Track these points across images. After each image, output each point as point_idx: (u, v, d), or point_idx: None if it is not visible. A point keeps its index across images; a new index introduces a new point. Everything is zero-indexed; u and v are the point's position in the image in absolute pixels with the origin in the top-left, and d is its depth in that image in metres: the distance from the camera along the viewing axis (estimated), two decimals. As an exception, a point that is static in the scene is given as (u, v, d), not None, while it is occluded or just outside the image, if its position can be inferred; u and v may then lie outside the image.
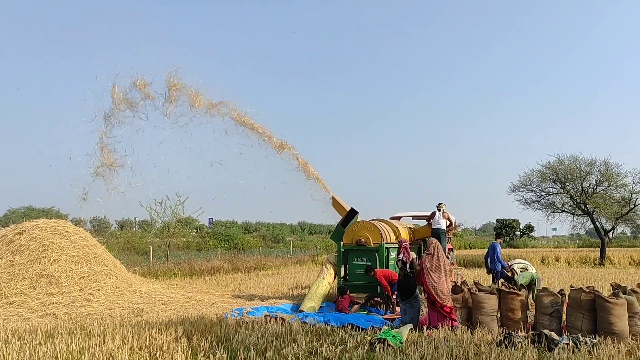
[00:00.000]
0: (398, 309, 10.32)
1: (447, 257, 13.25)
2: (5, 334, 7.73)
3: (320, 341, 7.09)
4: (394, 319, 9.50)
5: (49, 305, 10.79)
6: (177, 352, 6.29)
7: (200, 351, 6.55)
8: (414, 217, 18.34)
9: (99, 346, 6.67)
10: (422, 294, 9.12)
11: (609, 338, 6.98)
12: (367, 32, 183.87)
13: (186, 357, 6.04)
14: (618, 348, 6.54)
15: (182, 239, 31.13)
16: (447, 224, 13.09)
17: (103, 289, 12.12)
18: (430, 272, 8.52)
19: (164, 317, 9.59)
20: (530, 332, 7.27)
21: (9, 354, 6.21)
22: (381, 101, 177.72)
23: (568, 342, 6.65)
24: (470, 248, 50.20)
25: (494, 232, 14.24)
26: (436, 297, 8.32)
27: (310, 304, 10.86)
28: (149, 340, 6.99)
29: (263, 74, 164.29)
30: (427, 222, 13.84)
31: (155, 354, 6.36)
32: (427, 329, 8.00)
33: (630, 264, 25.01)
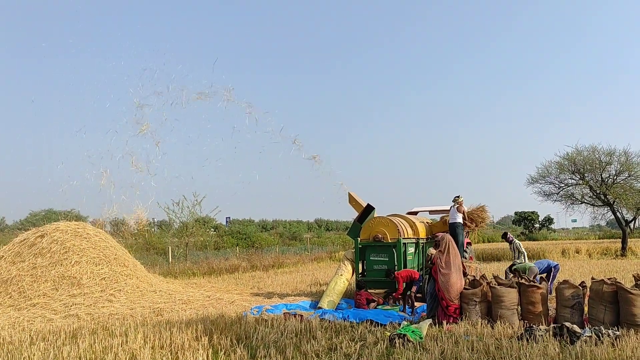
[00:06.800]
0: (417, 304, 10.29)
1: (466, 251, 13.19)
2: (30, 335, 7.86)
3: (340, 337, 7.11)
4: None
5: (71, 306, 10.95)
6: (198, 350, 6.35)
7: (220, 349, 6.60)
8: (431, 212, 18.21)
9: (121, 346, 6.75)
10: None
11: (632, 330, 6.89)
12: (385, 16, 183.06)
13: (207, 355, 6.09)
14: (642, 340, 6.44)
15: (200, 239, 31.30)
16: (464, 217, 13.00)
17: (124, 289, 12.26)
18: (441, 269, 8.49)
19: (184, 316, 9.69)
20: (552, 325, 7.19)
21: (34, 355, 6.32)
22: (398, 93, 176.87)
23: (590, 334, 6.57)
24: (489, 242, 49.71)
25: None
26: (444, 293, 8.32)
27: (329, 300, 10.88)
28: (170, 339, 7.06)
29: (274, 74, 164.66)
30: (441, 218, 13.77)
31: (177, 352, 6.43)
32: (446, 324, 7.99)
33: (653, 254, 24.64)
